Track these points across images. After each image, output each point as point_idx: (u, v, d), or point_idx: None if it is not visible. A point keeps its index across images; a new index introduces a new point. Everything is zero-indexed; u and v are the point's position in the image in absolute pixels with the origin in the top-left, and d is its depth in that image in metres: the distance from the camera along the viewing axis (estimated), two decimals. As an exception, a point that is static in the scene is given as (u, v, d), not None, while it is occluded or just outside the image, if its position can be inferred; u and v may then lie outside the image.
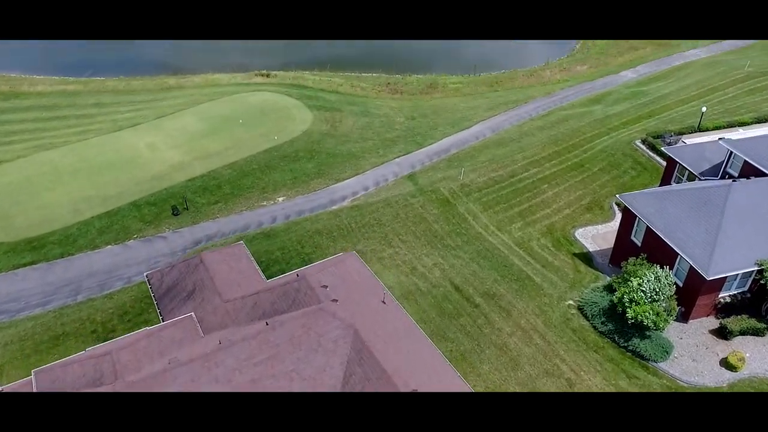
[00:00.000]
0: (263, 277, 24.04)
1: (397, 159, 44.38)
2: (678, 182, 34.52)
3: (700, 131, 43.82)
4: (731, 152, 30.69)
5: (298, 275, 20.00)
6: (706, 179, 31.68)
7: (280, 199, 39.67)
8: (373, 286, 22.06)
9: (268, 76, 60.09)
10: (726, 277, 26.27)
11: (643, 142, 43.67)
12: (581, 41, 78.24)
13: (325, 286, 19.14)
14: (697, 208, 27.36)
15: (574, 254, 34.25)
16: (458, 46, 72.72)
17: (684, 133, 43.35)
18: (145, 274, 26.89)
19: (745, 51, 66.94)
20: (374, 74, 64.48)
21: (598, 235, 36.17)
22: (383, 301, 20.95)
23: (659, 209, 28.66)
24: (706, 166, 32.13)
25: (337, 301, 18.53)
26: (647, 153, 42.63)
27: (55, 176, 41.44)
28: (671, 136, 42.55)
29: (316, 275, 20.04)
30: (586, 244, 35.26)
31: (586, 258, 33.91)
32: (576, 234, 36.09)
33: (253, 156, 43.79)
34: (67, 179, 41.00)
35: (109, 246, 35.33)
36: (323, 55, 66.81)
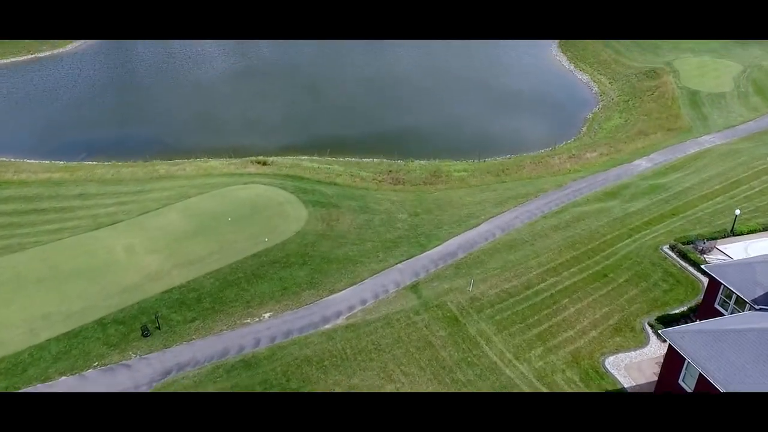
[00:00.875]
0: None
1: (399, 265, 40.02)
2: (724, 306, 29.88)
3: (733, 235, 39.71)
4: (790, 280, 26.27)
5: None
6: (761, 309, 27.05)
7: (266, 315, 34.99)
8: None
9: (264, 164, 57.23)
10: (809, 449, 21.02)
11: (672, 248, 39.25)
12: (587, 124, 76.44)
13: None
14: (766, 357, 22.55)
15: (608, 392, 29.07)
16: (461, 126, 70.61)
17: (716, 238, 39.17)
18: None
19: (761, 137, 64.25)
20: (375, 159, 61.84)
21: (632, 365, 31.11)
22: None
23: (715, 353, 23.84)
24: (760, 292, 27.60)
25: None
26: (678, 262, 38.09)
27: (16, 286, 37.06)
28: (703, 242, 38.28)
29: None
30: (619, 378, 30.15)
31: (623, 398, 28.69)
32: (606, 363, 31.05)
33: (240, 262, 39.52)
34: (29, 290, 36.58)
35: (63, 377, 30.32)
36: (324, 136, 64.86)
